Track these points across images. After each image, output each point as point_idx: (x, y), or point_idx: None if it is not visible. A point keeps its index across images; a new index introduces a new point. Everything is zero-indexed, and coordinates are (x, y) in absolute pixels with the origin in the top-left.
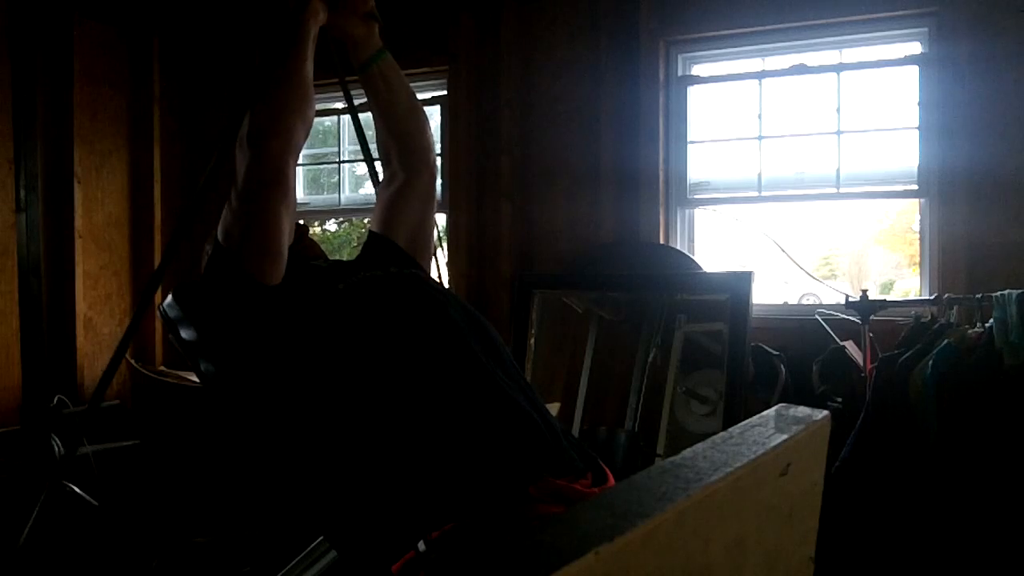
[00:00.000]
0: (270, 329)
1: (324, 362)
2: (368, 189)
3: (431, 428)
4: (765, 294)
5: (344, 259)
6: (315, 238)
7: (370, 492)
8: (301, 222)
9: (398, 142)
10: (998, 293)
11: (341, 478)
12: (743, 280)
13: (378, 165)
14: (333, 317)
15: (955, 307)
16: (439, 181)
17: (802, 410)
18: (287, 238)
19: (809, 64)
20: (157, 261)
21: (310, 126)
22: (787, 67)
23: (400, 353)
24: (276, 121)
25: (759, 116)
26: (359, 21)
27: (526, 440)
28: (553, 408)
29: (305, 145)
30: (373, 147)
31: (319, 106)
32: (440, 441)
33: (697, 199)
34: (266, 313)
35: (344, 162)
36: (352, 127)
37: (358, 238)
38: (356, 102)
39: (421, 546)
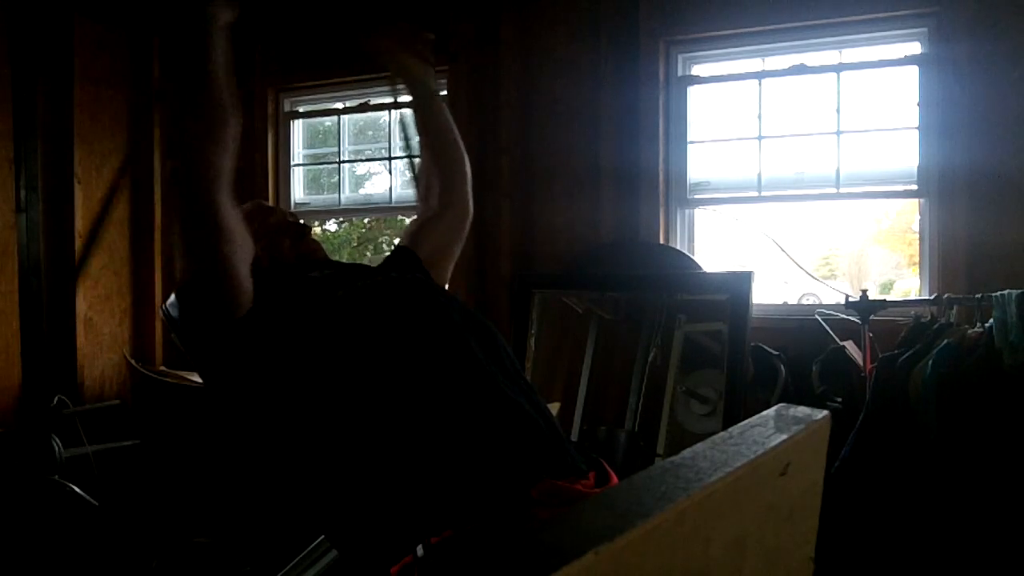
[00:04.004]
0: (268, 338)
1: (325, 367)
2: (368, 189)
3: (431, 430)
4: (765, 294)
5: (346, 261)
6: (315, 238)
7: (371, 494)
8: (302, 222)
9: (438, 176)
10: (998, 293)
11: (342, 480)
12: (743, 280)
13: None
14: (333, 323)
15: (955, 307)
16: None
17: (802, 410)
18: (241, 271)
19: (809, 64)
20: (158, 261)
21: (235, 138)
22: (787, 67)
23: (400, 356)
24: (191, 156)
25: (759, 116)
26: (418, 62)
27: (527, 442)
28: (553, 408)
29: (305, 145)
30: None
31: (319, 106)
32: (440, 443)
33: (697, 199)
34: (262, 324)
35: (344, 162)
36: (349, 128)
37: (358, 238)
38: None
39: (419, 551)
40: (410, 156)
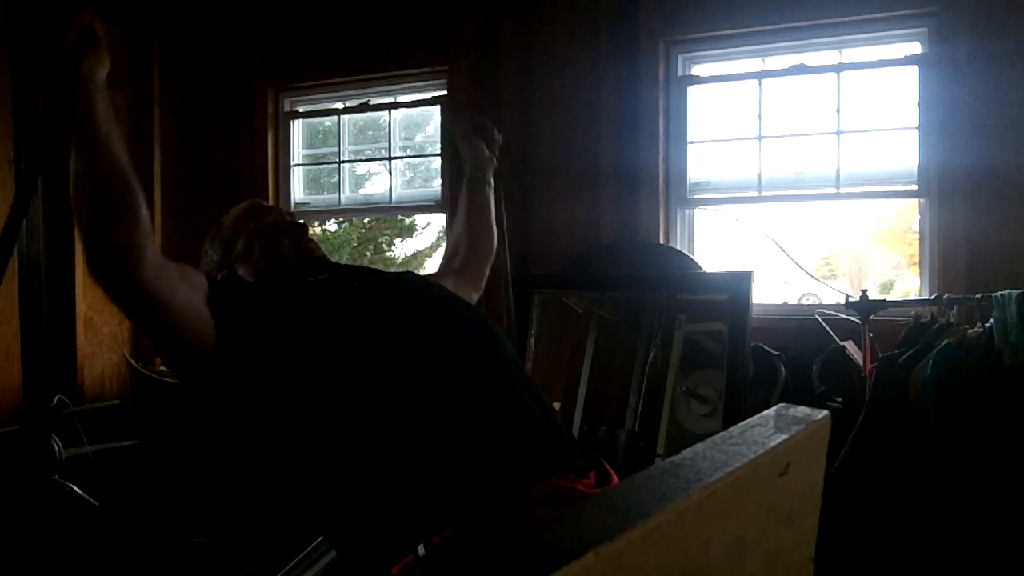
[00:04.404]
0: (266, 341)
1: (324, 367)
2: (368, 189)
3: (433, 428)
4: (765, 294)
5: (346, 261)
6: (315, 238)
7: (371, 494)
8: (301, 221)
9: (465, 247)
10: (998, 293)
11: (342, 480)
12: (743, 280)
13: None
14: (331, 325)
15: (955, 307)
16: (439, 182)
17: (802, 410)
18: (190, 323)
19: (809, 64)
20: None
21: (143, 200)
22: (787, 67)
23: (400, 354)
24: (101, 240)
25: (759, 116)
26: (487, 152)
27: (529, 439)
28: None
29: (305, 145)
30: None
31: (319, 106)
32: (442, 441)
33: (697, 199)
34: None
35: (344, 162)
36: (349, 128)
37: (358, 238)
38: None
39: (421, 551)
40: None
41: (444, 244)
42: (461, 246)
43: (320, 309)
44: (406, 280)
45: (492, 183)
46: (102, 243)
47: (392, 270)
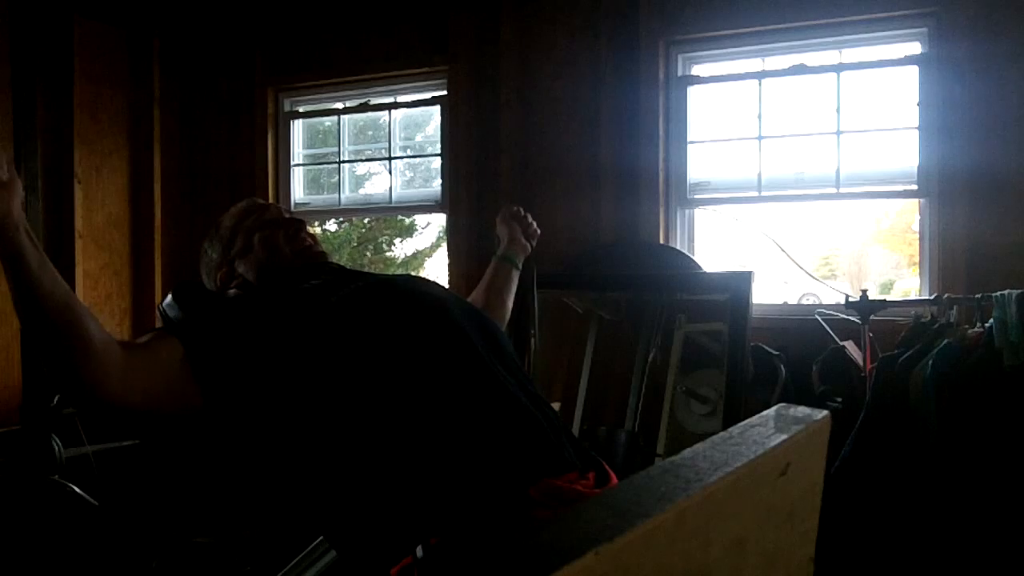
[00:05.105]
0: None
1: (323, 370)
2: (368, 189)
3: (431, 429)
4: (765, 294)
5: (346, 261)
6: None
7: (371, 494)
8: (299, 219)
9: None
10: (998, 293)
11: (342, 480)
12: (743, 280)
13: None
14: (328, 328)
15: (955, 307)
16: (438, 182)
17: (802, 410)
18: (175, 392)
19: (809, 64)
20: (158, 261)
21: (96, 327)
22: (787, 67)
23: (399, 355)
24: (66, 378)
25: (759, 116)
26: (523, 240)
27: (526, 439)
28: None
29: (305, 145)
30: None
31: (319, 106)
32: (440, 442)
33: (697, 199)
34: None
35: (344, 162)
36: (349, 128)
37: (358, 238)
38: None
39: (419, 552)
40: None
41: (445, 247)
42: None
43: (317, 314)
44: (405, 280)
45: (519, 267)
46: (61, 375)
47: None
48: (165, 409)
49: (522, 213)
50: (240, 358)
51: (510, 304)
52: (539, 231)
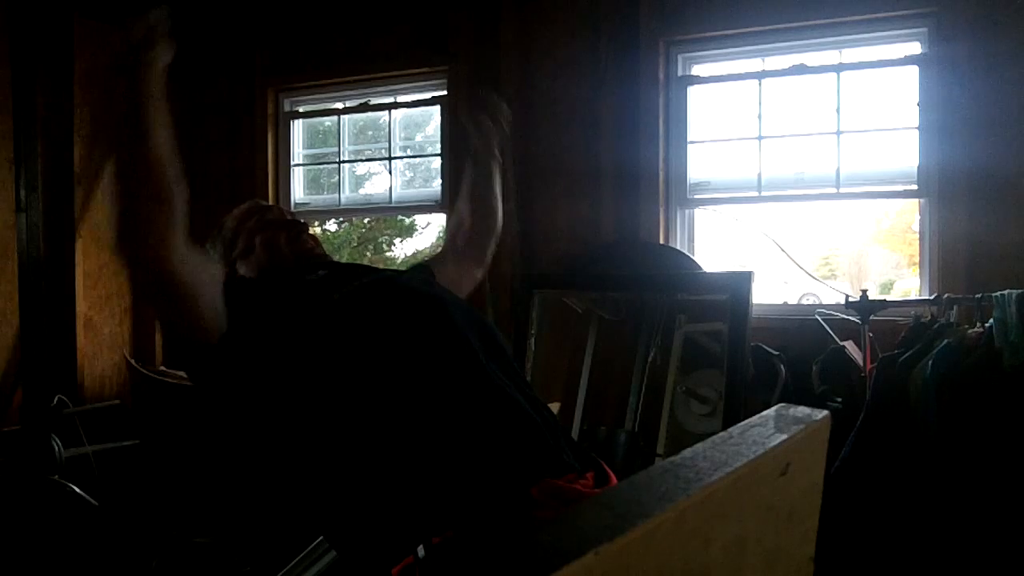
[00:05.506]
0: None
1: (323, 368)
2: (368, 189)
3: (431, 430)
4: (765, 294)
5: (346, 261)
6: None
7: (371, 495)
8: (302, 220)
9: (469, 225)
10: (998, 293)
11: (342, 480)
12: (743, 280)
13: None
14: (330, 325)
15: (955, 307)
16: (439, 182)
17: (802, 410)
18: (206, 312)
19: (809, 64)
20: None
21: (181, 195)
22: (787, 67)
23: (398, 356)
24: (137, 226)
25: (759, 116)
26: (491, 124)
27: (526, 441)
28: (553, 408)
29: (305, 145)
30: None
31: (319, 106)
32: (440, 443)
33: (697, 199)
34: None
35: (344, 162)
36: (349, 128)
37: (358, 238)
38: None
39: (420, 551)
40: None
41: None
42: (465, 222)
43: (319, 310)
44: (406, 279)
45: (499, 158)
46: (133, 226)
47: (393, 268)
48: (193, 317)
49: (488, 97)
50: (240, 355)
51: (499, 206)
52: (508, 112)
